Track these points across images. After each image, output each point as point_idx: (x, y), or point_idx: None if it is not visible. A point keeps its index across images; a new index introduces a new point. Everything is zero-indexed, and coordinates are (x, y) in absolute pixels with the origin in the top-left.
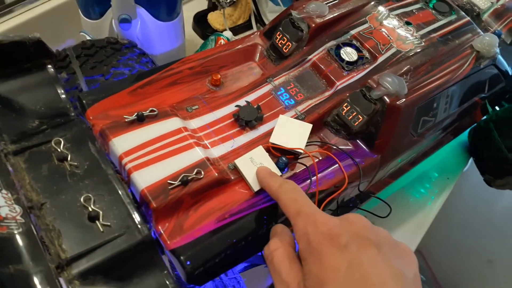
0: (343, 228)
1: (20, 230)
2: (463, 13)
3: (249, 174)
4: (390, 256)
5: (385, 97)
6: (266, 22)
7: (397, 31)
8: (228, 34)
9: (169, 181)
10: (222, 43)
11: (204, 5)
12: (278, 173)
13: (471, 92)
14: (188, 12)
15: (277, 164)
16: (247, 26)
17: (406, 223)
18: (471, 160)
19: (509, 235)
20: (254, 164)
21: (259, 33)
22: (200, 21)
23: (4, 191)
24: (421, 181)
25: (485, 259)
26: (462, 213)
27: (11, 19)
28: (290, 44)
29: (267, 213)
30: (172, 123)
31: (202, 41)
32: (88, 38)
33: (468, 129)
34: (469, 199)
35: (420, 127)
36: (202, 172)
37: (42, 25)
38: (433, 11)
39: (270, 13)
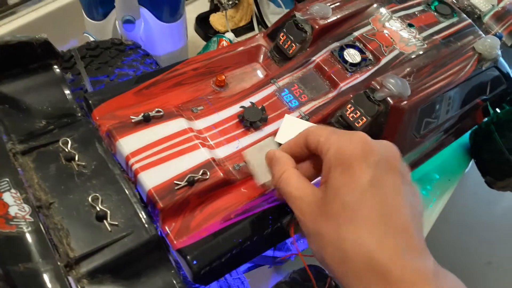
0: (377, 149)
1: (30, 229)
2: (465, 16)
3: (258, 164)
4: (408, 188)
5: (389, 99)
6: (268, 24)
7: (399, 33)
8: (230, 35)
9: (175, 182)
10: (224, 45)
11: (206, 7)
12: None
13: (472, 94)
14: (190, 13)
15: None
16: (249, 27)
17: None
18: (472, 161)
19: (509, 237)
20: (262, 154)
21: (262, 34)
22: (202, 22)
23: (13, 190)
24: (423, 183)
25: (485, 260)
26: (463, 215)
27: (14, 20)
28: (294, 45)
29: (272, 213)
30: (178, 124)
31: (204, 43)
32: (91, 39)
33: (469, 131)
34: (469, 200)
35: (422, 129)
36: (208, 173)
37: (45, 26)
38: (435, 13)
39: (272, 14)
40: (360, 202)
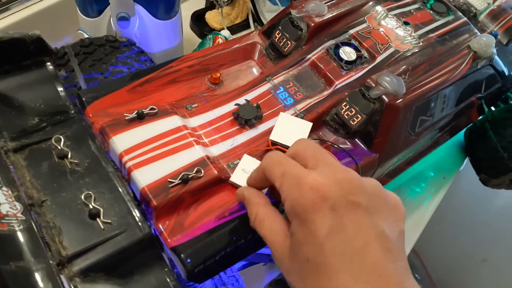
0: (329, 191)
1: (21, 227)
2: (460, 14)
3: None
4: (377, 215)
5: (384, 97)
6: (264, 22)
7: (395, 31)
8: (225, 33)
9: (169, 180)
10: (220, 42)
11: (202, 4)
12: None
13: (468, 92)
14: (185, 11)
15: None
16: (244, 25)
17: None
18: (466, 159)
19: (504, 234)
20: (248, 173)
21: (258, 31)
22: (198, 20)
23: (4, 188)
24: (417, 180)
25: (480, 258)
26: (457, 212)
27: (7, 17)
28: (289, 43)
29: None
30: (172, 121)
31: (199, 40)
32: (86, 36)
33: (464, 129)
34: (464, 198)
35: (418, 127)
36: (202, 171)
37: (39, 23)
38: (431, 12)
39: (268, 12)
40: (322, 254)
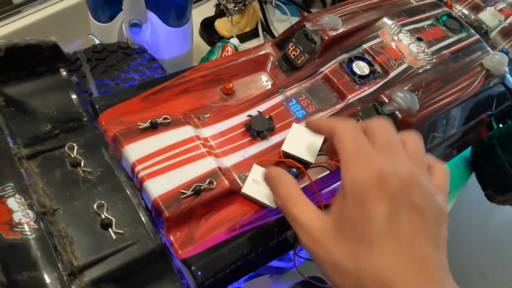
0: (392, 183)
1: (34, 236)
2: (473, 31)
3: (261, 195)
4: (428, 217)
5: (397, 113)
6: (273, 31)
7: (408, 46)
8: (235, 41)
9: (181, 191)
10: (229, 50)
11: (211, 12)
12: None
13: (479, 109)
14: (195, 18)
15: None
16: (254, 34)
17: None
18: (472, 174)
19: (502, 249)
20: (259, 184)
21: (271, 43)
22: (207, 27)
23: (17, 195)
24: None
25: (479, 272)
26: (458, 226)
27: (19, 20)
28: (302, 55)
29: (277, 225)
30: (185, 132)
31: (209, 48)
32: (97, 41)
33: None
34: (466, 212)
35: (429, 143)
36: (214, 182)
37: (51, 26)
38: (444, 28)
39: (277, 22)
40: (378, 237)
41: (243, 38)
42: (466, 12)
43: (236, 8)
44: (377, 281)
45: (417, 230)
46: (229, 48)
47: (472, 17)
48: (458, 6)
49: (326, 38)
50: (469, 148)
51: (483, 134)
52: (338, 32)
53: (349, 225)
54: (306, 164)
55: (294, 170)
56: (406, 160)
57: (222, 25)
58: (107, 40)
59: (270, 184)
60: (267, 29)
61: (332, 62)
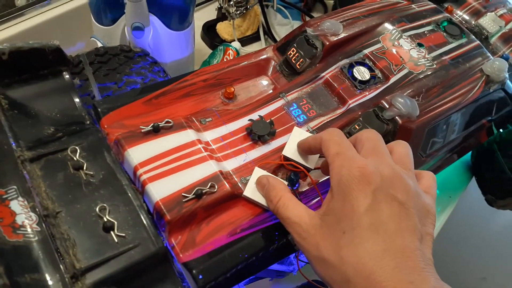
0: (374, 179)
1: (36, 238)
2: (473, 37)
3: (263, 198)
4: (411, 212)
5: (397, 118)
6: (274, 34)
7: (409, 52)
8: (236, 44)
9: (183, 194)
10: (230, 54)
11: (213, 15)
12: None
13: (479, 115)
14: (197, 21)
15: (288, 179)
16: (255, 37)
17: None
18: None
19: (503, 253)
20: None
21: (272, 47)
22: (209, 30)
23: (20, 198)
24: None
25: (479, 276)
26: (459, 231)
27: (22, 22)
28: (303, 60)
29: (278, 228)
30: (187, 135)
31: (210, 51)
32: (99, 43)
33: None
34: (467, 217)
35: (429, 148)
36: (216, 186)
37: (53, 28)
38: (445, 34)
39: (278, 25)
40: (359, 227)
41: (244, 41)
42: (466, 17)
43: (238, 12)
44: (359, 271)
45: (399, 224)
46: (230, 51)
47: (473, 22)
48: (458, 12)
49: (327, 43)
50: (470, 153)
51: (483, 139)
52: (339, 37)
53: (334, 219)
54: (306, 169)
55: (292, 177)
56: (391, 162)
57: (223, 29)
58: (109, 43)
59: (262, 191)
60: (268, 33)
61: (333, 67)
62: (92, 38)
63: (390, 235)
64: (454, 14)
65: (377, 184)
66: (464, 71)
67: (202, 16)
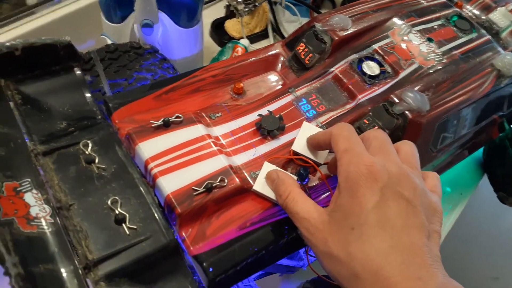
0: (381, 177)
1: (50, 230)
2: (484, 31)
3: (272, 192)
4: (418, 210)
5: (407, 113)
6: (283, 32)
7: (418, 47)
8: (245, 42)
9: (193, 188)
10: (239, 51)
11: (221, 13)
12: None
13: (490, 110)
14: (205, 19)
15: (297, 174)
16: (263, 34)
17: None
18: (484, 175)
19: None
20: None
21: (281, 43)
22: (218, 28)
23: (34, 190)
24: None
25: (491, 276)
26: (471, 229)
27: (33, 21)
28: (312, 55)
29: (288, 223)
30: (197, 130)
31: (219, 48)
32: (109, 41)
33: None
34: (479, 215)
35: (439, 143)
36: (226, 180)
37: (64, 27)
38: (454, 28)
39: (287, 22)
40: (367, 223)
41: (253, 39)
42: (476, 12)
43: (246, 9)
44: (367, 267)
45: (406, 221)
46: (239, 49)
47: (483, 17)
48: (468, 7)
49: (336, 38)
50: (481, 149)
51: (495, 135)
52: (348, 32)
53: (342, 215)
54: (315, 164)
55: (302, 171)
56: (398, 161)
57: (232, 26)
58: (119, 41)
59: (272, 186)
60: (276, 30)
61: (342, 62)
62: (102, 36)
63: (397, 232)
64: (464, 9)
65: (385, 181)
66: (475, 65)
67: (210, 13)
